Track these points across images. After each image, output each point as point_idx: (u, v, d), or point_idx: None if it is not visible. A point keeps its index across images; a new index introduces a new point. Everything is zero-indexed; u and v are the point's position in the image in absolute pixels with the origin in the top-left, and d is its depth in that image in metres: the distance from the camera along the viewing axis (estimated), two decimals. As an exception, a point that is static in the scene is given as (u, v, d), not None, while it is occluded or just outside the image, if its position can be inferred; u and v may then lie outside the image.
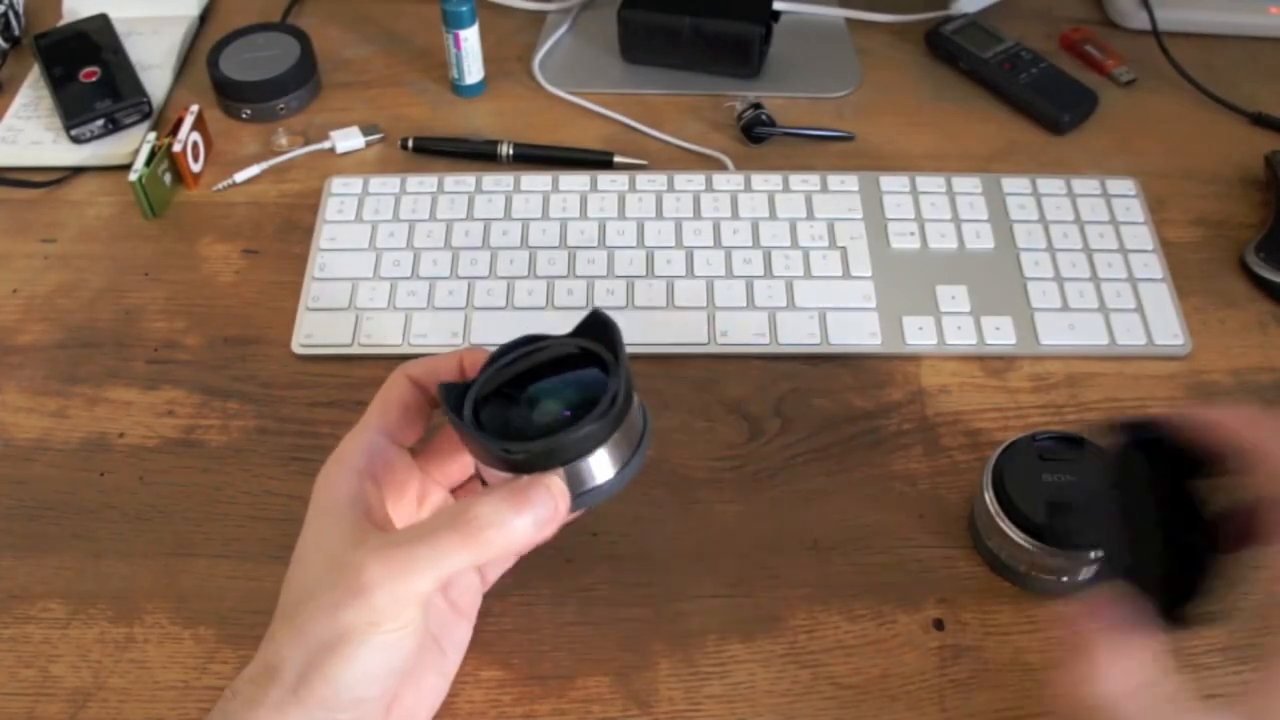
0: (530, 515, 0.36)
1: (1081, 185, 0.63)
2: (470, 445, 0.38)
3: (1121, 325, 0.57)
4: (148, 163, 0.63)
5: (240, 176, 0.66)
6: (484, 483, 0.40)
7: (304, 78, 0.71)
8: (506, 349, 0.40)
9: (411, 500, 0.43)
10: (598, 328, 0.40)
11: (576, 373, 0.39)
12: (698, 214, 0.62)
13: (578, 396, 0.38)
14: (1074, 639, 0.35)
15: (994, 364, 0.56)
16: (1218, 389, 0.55)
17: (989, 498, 0.46)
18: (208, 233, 0.64)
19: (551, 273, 0.59)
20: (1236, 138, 0.69)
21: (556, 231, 0.61)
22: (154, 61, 0.74)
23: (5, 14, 0.76)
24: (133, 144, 0.67)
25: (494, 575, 0.46)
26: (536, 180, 0.64)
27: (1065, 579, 0.46)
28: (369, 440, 0.41)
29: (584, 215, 0.62)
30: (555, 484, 0.37)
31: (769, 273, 0.59)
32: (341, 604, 0.35)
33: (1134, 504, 0.37)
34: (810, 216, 0.62)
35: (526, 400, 0.39)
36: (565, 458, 0.37)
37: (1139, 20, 0.75)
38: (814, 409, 0.54)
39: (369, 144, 0.69)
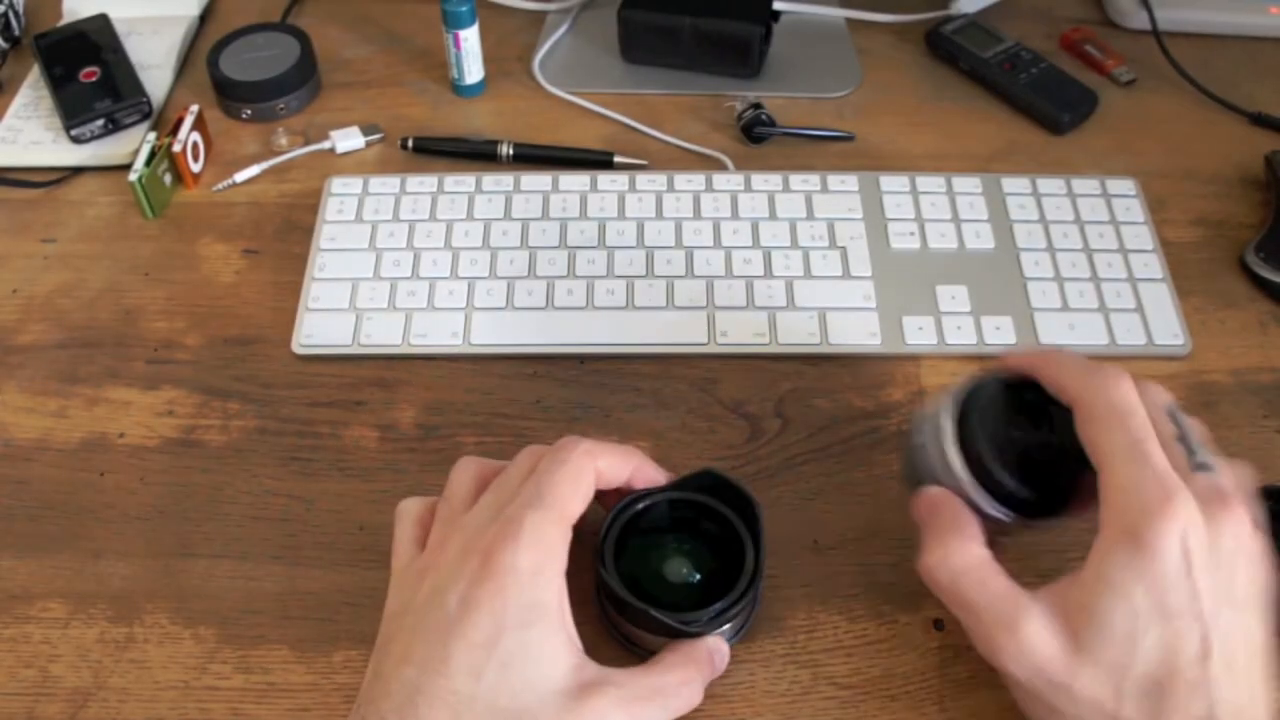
0: (709, 676, 0.42)
1: (1081, 185, 0.63)
2: (634, 615, 0.41)
3: (1121, 325, 0.57)
4: (148, 163, 0.63)
5: (240, 176, 0.66)
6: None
7: (304, 78, 0.71)
8: (632, 500, 0.43)
9: None
10: (715, 487, 0.44)
11: (685, 519, 0.45)
12: (698, 214, 0.62)
13: (700, 552, 0.44)
14: (920, 525, 0.41)
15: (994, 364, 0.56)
16: (1218, 389, 0.55)
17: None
18: (207, 233, 0.64)
19: (551, 273, 0.59)
20: (1236, 138, 0.69)
21: (556, 231, 0.61)
22: (154, 61, 0.74)
23: (5, 14, 0.76)
24: (133, 144, 0.67)
25: None
26: (536, 180, 0.64)
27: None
28: (567, 535, 0.39)
29: (584, 215, 0.62)
30: (723, 647, 0.43)
31: (769, 273, 0.59)
32: None
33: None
34: (810, 216, 0.62)
35: (642, 550, 0.43)
36: (716, 628, 0.42)
37: (1139, 20, 0.75)
38: (814, 409, 0.54)
39: (369, 144, 0.69)
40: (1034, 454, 0.40)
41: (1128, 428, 0.37)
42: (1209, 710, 0.35)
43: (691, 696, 0.40)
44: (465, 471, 0.43)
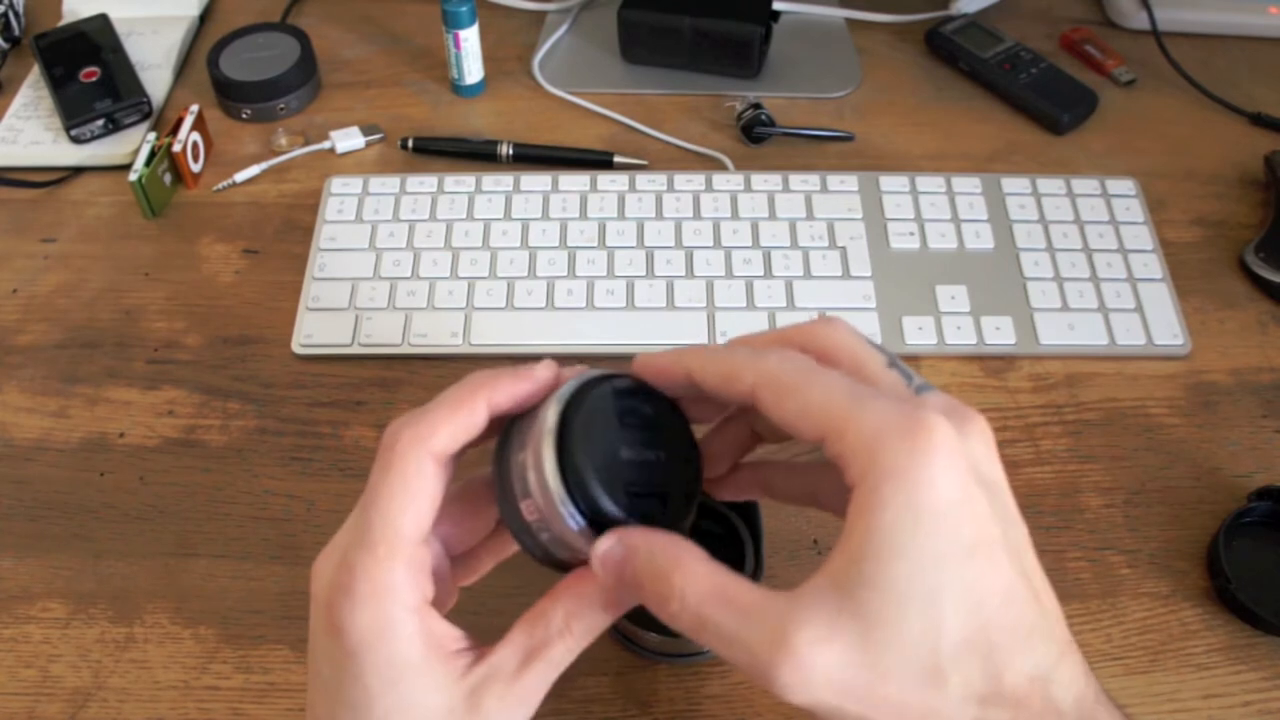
0: (603, 593, 0.33)
1: (1081, 185, 0.63)
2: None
3: (1121, 325, 0.57)
4: (148, 163, 0.63)
5: (240, 176, 0.66)
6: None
7: (304, 78, 0.71)
8: None
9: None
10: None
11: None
12: (698, 214, 0.62)
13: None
14: (633, 589, 0.32)
15: (994, 364, 0.56)
16: (1217, 389, 0.55)
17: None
18: (208, 233, 0.64)
19: (551, 273, 0.59)
20: (1236, 138, 0.69)
21: (556, 231, 0.61)
22: (154, 61, 0.74)
23: (5, 14, 0.76)
24: (133, 144, 0.67)
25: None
26: (536, 180, 0.64)
27: None
28: (412, 560, 0.32)
29: (584, 215, 0.62)
30: (621, 544, 0.32)
31: (769, 273, 0.59)
32: None
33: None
34: (810, 216, 0.62)
35: None
36: None
37: (1139, 20, 0.75)
38: (814, 409, 0.54)
39: (369, 144, 0.69)
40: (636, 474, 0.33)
41: (827, 381, 0.30)
42: (1038, 655, 0.28)
43: (584, 631, 0.33)
44: None
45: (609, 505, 0.31)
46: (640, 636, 0.43)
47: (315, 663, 0.33)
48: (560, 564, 0.34)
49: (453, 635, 0.33)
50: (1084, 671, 0.29)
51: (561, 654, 0.33)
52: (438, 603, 0.34)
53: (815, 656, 0.27)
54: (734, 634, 0.29)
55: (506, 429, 0.34)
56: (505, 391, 0.33)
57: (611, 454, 0.32)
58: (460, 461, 0.34)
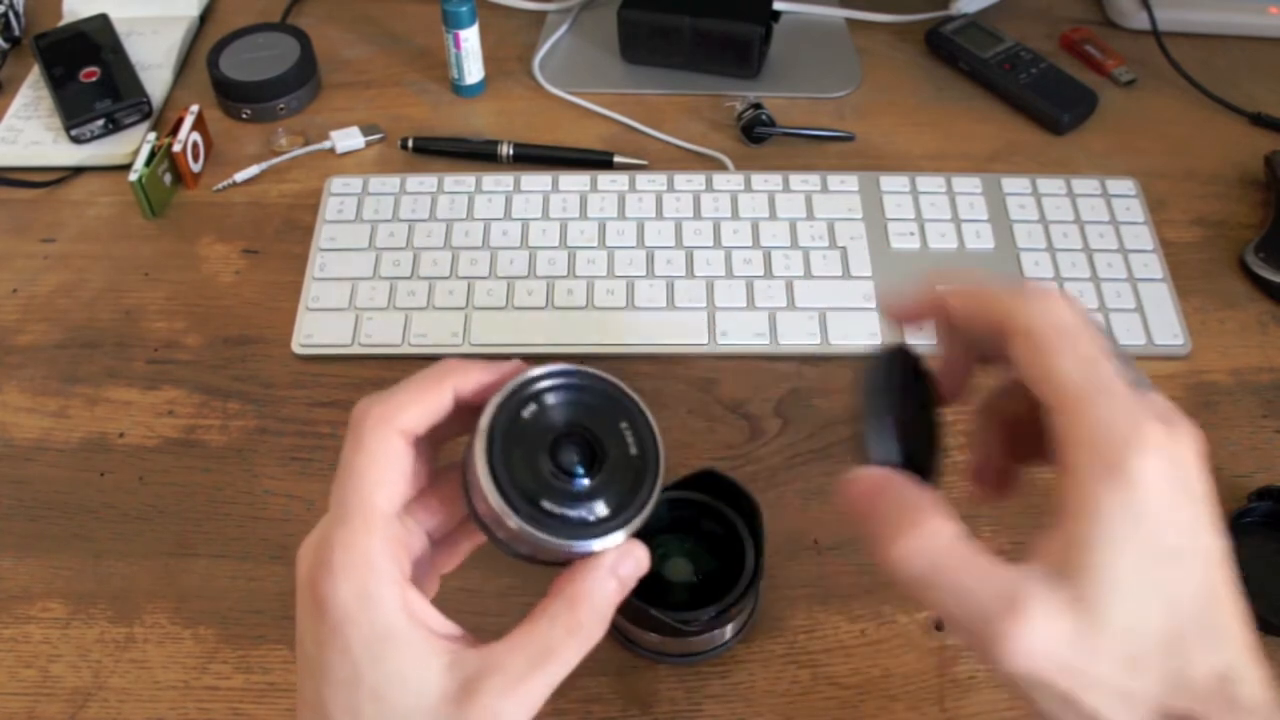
0: (608, 600, 0.34)
1: (1081, 185, 0.63)
2: (634, 614, 0.40)
3: (1121, 325, 0.57)
4: (148, 163, 0.63)
5: (240, 176, 0.66)
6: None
7: (304, 78, 0.71)
8: None
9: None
10: (716, 487, 0.43)
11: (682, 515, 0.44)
12: (698, 214, 0.62)
13: (700, 552, 0.43)
14: (866, 515, 0.34)
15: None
16: (1218, 389, 0.55)
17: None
18: (207, 233, 0.64)
19: (551, 273, 0.59)
20: (1236, 138, 0.69)
21: (556, 231, 0.61)
22: (154, 61, 0.74)
23: (5, 14, 0.76)
24: (133, 144, 0.67)
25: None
26: (536, 180, 0.64)
27: None
28: (387, 533, 0.33)
29: (584, 215, 0.62)
30: (627, 557, 0.34)
31: (769, 273, 0.59)
32: None
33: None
34: (810, 216, 0.62)
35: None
36: (716, 627, 0.42)
37: (1139, 20, 0.75)
38: (814, 409, 0.54)
39: (369, 144, 0.69)
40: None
41: (1080, 354, 0.32)
42: (1227, 656, 0.31)
43: (586, 638, 0.34)
44: None
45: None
46: (640, 636, 0.43)
47: (303, 645, 0.34)
48: (527, 558, 0.35)
49: (439, 618, 0.34)
50: (1268, 679, 0.32)
51: (573, 654, 0.34)
52: (419, 587, 0.34)
53: (1044, 628, 0.30)
54: (970, 591, 0.31)
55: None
56: (472, 379, 0.34)
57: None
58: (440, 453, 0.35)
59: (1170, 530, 0.31)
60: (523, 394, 0.33)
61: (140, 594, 0.48)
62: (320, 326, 0.57)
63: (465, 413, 0.35)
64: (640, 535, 0.38)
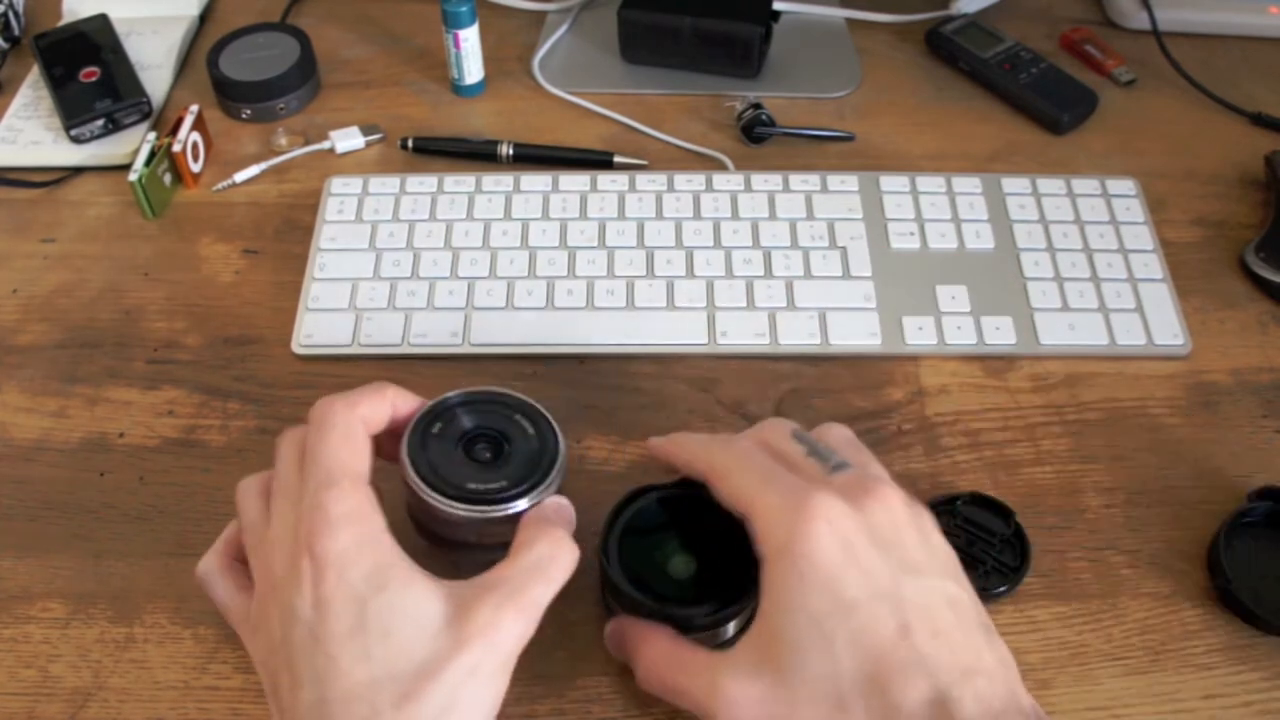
0: (569, 530, 0.41)
1: (1081, 185, 0.63)
2: (638, 610, 0.42)
3: (1121, 325, 0.57)
4: (148, 163, 0.63)
5: (240, 176, 0.66)
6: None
7: (304, 78, 0.71)
8: (634, 495, 0.44)
9: None
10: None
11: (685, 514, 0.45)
12: (698, 214, 0.62)
13: (703, 549, 0.44)
14: (624, 652, 0.41)
15: (994, 364, 0.56)
16: (1218, 389, 0.55)
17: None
18: (207, 233, 0.64)
19: (551, 273, 0.59)
20: (1236, 138, 0.69)
21: (556, 231, 0.61)
22: (154, 61, 0.74)
23: (5, 14, 0.76)
24: (133, 144, 0.67)
25: None
26: (536, 180, 0.64)
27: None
28: (370, 494, 0.39)
29: (584, 215, 0.62)
30: (558, 502, 0.42)
31: (769, 273, 0.59)
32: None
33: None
34: (810, 216, 0.62)
35: (645, 546, 0.43)
36: (720, 624, 0.43)
37: (1139, 20, 0.75)
38: (814, 409, 0.54)
39: (369, 144, 0.69)
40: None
41: (750, 467, 0.39)
42: (933, 683, 0.34)
43: (567, 558, 0.39)
44: (247, 496, 0.42)
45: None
46: None
47: (298, 620, 0.36)
48: (483, 548, 0.43)
49: (429, 574, 0.38)
50: (998, 692, 0.34)
51: (559, 570, 0.39)
52: None
53: (740, 697, 0.36)
54: (684, 688, 0.38)
55: None
56: (402, 402, 0.42)
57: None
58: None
59: (849, 584, 0.35)
60: (436, 410, 0.43)
61: (140, 594, 0.48)
62: (320, 326, 0.57)
63: (390, 439, 0.42)
64: (641, 535, 0.43)
